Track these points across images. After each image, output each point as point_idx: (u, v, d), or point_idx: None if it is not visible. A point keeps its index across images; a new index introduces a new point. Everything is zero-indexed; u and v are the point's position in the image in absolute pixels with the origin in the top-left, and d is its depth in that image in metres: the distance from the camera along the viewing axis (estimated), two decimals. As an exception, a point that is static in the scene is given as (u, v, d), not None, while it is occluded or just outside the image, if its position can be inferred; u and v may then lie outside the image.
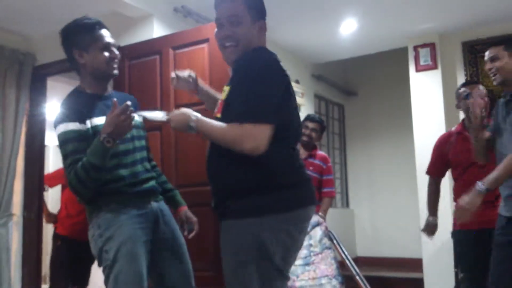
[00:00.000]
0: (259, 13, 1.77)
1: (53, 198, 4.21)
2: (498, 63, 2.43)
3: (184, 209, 2.31)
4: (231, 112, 1.62)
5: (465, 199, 2.26)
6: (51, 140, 6.52)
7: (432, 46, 4.76)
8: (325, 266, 3.39)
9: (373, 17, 4.46)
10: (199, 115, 1.69)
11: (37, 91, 4.10)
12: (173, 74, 2.03)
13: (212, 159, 1.73)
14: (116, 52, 2.11)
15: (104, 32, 2.08)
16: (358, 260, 5.53)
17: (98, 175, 1.91)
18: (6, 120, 3.84)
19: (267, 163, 1.60)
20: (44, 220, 4.11)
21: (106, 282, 1.97)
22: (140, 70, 3.35)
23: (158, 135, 3.18)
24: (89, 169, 1.87)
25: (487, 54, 2.51)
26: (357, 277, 3.75)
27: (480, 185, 2.24)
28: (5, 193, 3.78)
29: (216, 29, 1.80)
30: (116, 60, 2.10)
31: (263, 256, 1.58)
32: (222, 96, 1.75)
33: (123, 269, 1.92)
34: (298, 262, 3.27)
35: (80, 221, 3.85)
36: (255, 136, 1.54)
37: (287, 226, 1.61)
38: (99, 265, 2.01)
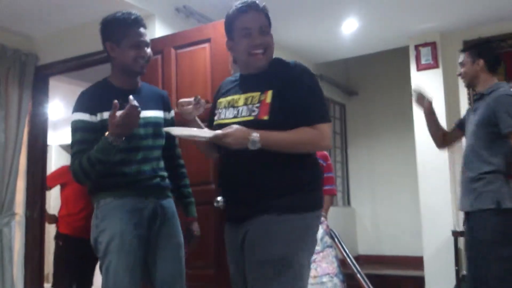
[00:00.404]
0: (271, 25, 1.91)
1: (55, 197, 4.23)
2: (463, 69, 2.75)
3: (190, 220, 2.31)
4: (288, 115, 1.76)
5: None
6: (53, 139, 6.56)
7: (433, 45, 4.76)
8: (327, 264, 3.40)
9: (374, 16, 4.47)
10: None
11: (40, 91, 4.11)
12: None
13: (257, 162, 1.76)
14: (147, 51, 2.12)
15: (139, 30, 2.10)
16: (359, 258, 5.55)
17: (102, 168, 1.97)
18: (9, 119, 3.85)
19: (312, 165, 1.86)
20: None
21: (100, 270, 2.05)
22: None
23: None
24: (94, 163, 1.93)
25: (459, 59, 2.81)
26: (358, 275, 3.76)
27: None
28: (8, 193, 3.79)
29: (242, 38, 1.85)
30: (144, 59, 2.11)
31: (304, 248, 1.76)
32: (263, 98, 1.79)
33: (113, 261, 1.98)
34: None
35: (81, 218, 3.88)
36: (329, 135, 1.79)
37: (317, 223, 1.84)
38: (95, 254, 2.08)
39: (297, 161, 1.78)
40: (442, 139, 3.02)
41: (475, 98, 2.75)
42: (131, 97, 1.89)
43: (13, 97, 3.89)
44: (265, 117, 1.76)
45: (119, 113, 1.85)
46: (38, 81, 4.09)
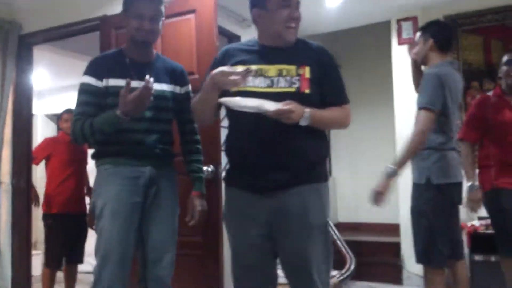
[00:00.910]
0: None
1: (42, 168, 4.24)
2: (417, 47, 2.84)
3: (195, 195, 2.33)
4: (324, 90, 1.89)
5: (377, 183, 2.57)
6: (39, 109, 6.52)
7: (414, 19, 4.83)
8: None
9: (357, -11, 4.51)
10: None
11: (23, 60, 4.09)
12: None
13: (301, 136, 1.82)
14: (146, 24, 2.14)
15: (142, 3, 2.15)
16: (339, 226, 5.70)
17: (102, 137, 2.07)
18: (-7, 89, 3.84)
19: (326, 140, 2.00)
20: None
21: (96, 233, 2.14)
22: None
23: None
24: (95, 132, 2.03)
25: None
26: (338, 242, 3.92)
27: (390, 167, 2.56)
28: (-6, 162, 3.81)
29: (281, 8, 1.88)
30: (144, 30, 2.14)
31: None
32: (302, 72, 1.85)
33: (105, 225, 2.06)
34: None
35: (65, 190, 3.92)
36: (350, 114, 1.97)
37: None
38: (92, 217, 2.22)
39: (322, 133, 1.94)
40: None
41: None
42: (147, 77, 1.96)
43: (-4, 66, 3.87)
44: (307, 91, 1.83)
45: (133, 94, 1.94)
46: (21, 50, 4.06)
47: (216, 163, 2.92)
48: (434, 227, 2.67)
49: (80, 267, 4.14)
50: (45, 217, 3.98)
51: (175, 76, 2.29)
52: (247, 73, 1.76)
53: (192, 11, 3.12)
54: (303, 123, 1.76)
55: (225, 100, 1.79)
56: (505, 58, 2.97)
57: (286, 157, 1.82)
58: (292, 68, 1.85)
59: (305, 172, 1.84)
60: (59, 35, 3.97)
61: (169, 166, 2.27)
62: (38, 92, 6.41)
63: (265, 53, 1.91)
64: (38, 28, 4.00)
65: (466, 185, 2.87)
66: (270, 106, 1.72)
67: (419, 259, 2.77)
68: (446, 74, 2.72)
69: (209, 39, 3.04)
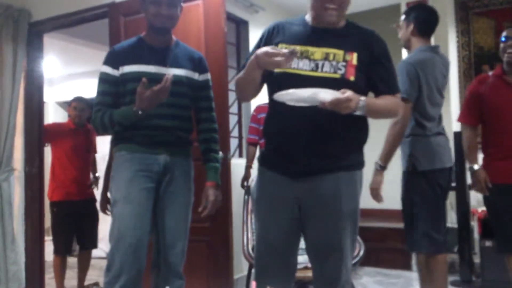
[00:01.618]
0: None
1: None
2: (400, 32, 2.84)
3: (208, 185, 2.31)
4: (368, 80, 1.84)
5: (371, 181, 2.62)
6: (50, 96, 6.57)
7: (424, 2, 4.77)
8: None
9: (366, -27, 4.46)
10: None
11: (34, 48, 4.11)
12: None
13: (341, 120, 1.75)
14: (164, 10, 2.14)
15: None
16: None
17: (121, 129, 2.13)
18: (4, 77, 3.87)
19: (367, 125, 1.92)
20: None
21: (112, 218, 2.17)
22: (136, 26, 3.34)
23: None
24: (115, 124, 2.10)
25: None
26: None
27: (377, 163, 2.63)
28: (6, 149, 3.86)
29: None
30: (162, 15, 2.15)
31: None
32: (349, 58, 1.78)
33: (119, 210, 2.10)
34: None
35: (71, 182, 3.94)
36: (401, 105, 1.99)
37: None
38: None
39: (364, 120, 1.88)
40: None
41: None
42: (168, 76, 1.99)
43: (7, 54, 3.90)
44: (352, 78, 1.77)
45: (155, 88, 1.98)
46: (32, 38, 4.08)
47: (225, 149, 2.94)
48: (424, 215, 2.67)
49: (93, 252, 4.19)
50: (50, 204, 4.02)
51: (194, 62, 2.28)
52: (291, 55, 1.67)
53: (200, -4, 3.11)
54: (358, 112, 1.71)
55: (278, 96, 1.72)
56: (503, 34, 2.88)
57: (327, 143, 1.79)
58: (340, 53, 1.79)
59: (343, 159, 1.83)
60: (69, 22, 3.98)
61: (185, 154, 2.27)
62: (49, 80, 6.46)
63: (313, 34, 1.85)
64: (48, 15, 4.02)
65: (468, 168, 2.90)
66: (326, 95, 1.62)
67: (412, 247, 2.78)
68: (420, 61, 2.67)
69: (217, 25, 3.04)
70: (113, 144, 2.28)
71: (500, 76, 2.88)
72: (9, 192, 3.91)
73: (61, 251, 3.94)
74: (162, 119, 2.15)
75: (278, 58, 1.66)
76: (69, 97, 4.33)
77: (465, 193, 4.06)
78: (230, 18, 4.39)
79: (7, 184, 3.90)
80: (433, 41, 4.73)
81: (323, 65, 1.77)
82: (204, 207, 2.30)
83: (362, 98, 1.71)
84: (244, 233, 3.14)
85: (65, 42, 4.88)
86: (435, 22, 2.85)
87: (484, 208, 3.87)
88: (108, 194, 2.37)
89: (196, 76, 2.27)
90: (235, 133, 4.72)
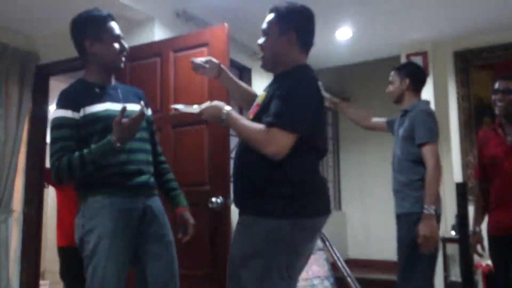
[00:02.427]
0: (290, 26, 1.89)
1: (53, 196, 4.25)
2: (392, 86, 2.98)
3: (183, 210, 2.27)
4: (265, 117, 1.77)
5: (423, 228, 2.57)
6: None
7: (424, 55, 4.88)
8: (317, 267, 3.47)
9: (367, 25, 4.58)
10: (230, 108, 1.85)
11: (40, 90, 4.16)
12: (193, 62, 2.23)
13: (243, 157, 1.83)
14: (125, 45, 2.15)
15: (114, 25, 2.14)
16: (349, 262, 5.62)
17: (93, 169, 1.95)
18: (9, 117, 3.90)
19: (292, 170, 1.73)
20: None
21: (85, 271, 1.99)
22: (141, 72, 3.43)
23: (157, 136, 3.25)
24: (88, 164, 1.92)
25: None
26: (348, 279, 3.83)
27: (427, 208, 2.60)
28: (6, 190, 3.83)
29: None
30: (125, 53, 2.14)
31: (273, 254, 1.70)
32: (257, 100, 1.89)
33: (100, 263, 1.92)
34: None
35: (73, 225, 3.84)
36: (278, 142, 1.68)
37: (301, 231, 1.73)
38: (80, 253, 2.02)
39: (272, 162, 1.73)
40: (366, 125, 3.40)
41: (401, 114, 2.97)
42: (142, 102, 1.96)
43: (13, 95, 3.94)
44: (251, 117, 1.87)
45: (123, 119, 1.90)
46: (38, 80, 4.14)
47: (226, 194, 2.92)
48: (433, 256, 2.71)
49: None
50: (57, 251, 3.78)
51: (140, 97, 2.24)
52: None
53: (205, 44, 3.18)
54: (221, 123, 1.84)
55: (175, 106, 2.09)
56: (494, 86, 2.93)
57: (237, 185, 1.87)
58: (264, 95, 1.91)
59: (245, 203, 1.83)
60: (76, 66, 4.04)
61: (155, 193, 2.20)
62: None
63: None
64: (55, 59, 4.10)
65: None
66: (195, 110, 1.96)
67: None
68: (433, 111, 2.89)
69: (221, 72, 3.08)
70: (81, 189, 2.06)
71: (493, 128, 2.97)
72: (6, 234, 3.85)
73: None
74: (135, 153, 2.08)
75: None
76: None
77: (468, 246, 3.98)
78: (234, 64, 4.47)
79: (5, 226, 3.85)
80: (432, 92, 4.83)
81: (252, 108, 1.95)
82: (183, 232, 2.25)
83: (227, 109, 1.82)
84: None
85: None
86: (425, 78, 3.06)
87: (488, 262, 3.81)
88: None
89: (146, 111, 2.22)
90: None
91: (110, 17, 2.15)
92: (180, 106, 2.07)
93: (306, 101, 1.75)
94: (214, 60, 2.28)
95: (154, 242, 2.09)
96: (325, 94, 2.25)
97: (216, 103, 1.89)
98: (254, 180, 1.78)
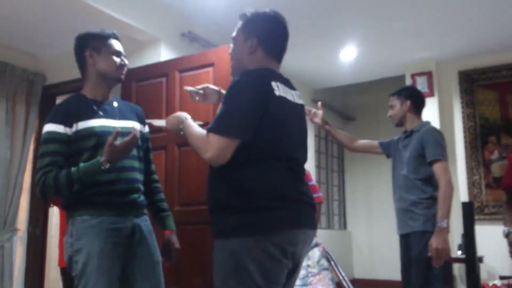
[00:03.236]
0: (252, 31, 1.81)
1: (57, 215, 4.24)
2: (393, 111, 3.03)
3: (169, 233, 2.22)
4: None
5: (436, 241, 2.56)
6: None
7: (429, 74, 4.90)
8: (323, 287, 3.44)
9: (372, 45, 4.61)
10: (189, 118, 1.82)
11: (46, 110, 4.15)
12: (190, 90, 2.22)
13: (208, 179, 1.75)
14: (126, 61, 2.14)
15: (116, 42, 2.13)
16: (355, 282, 5.57)
17: (80, 187, 1.91)
18: (15, 137, 3.94)
19: (248, 183, 1.63)
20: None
21: None
22: (147, 92, 3.45)
23: (163, 154, 3.28)
24: (74, 183, 1.88)
25: (389, 102, 3.07)
26: (354, 298, 3.81)
27: (440, 222, 2.60)
28: (11, 209, 3.85)
29: None
30: (125, 68, 2.13)
31: (243, 274, 1.58)
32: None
33: (90, 283, 1.88)
34: (296, 282, 3.33)
35: None
36: (214, 147, 1.60)
37: (266, 247, 1.59)
38: (69, 272, 1.99)
39: (221, 177, 1.66)
40: (353, 147, 3.34)
41: (405, 135, 2.99)
42: (135, 127, 1.92)
43: (20, 115, 3.99)
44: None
45: (117, 141, 1.85)
46: (45, 100, 4.19)
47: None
48: (443, 273, 2.72)
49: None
50: (60, 272, 3.61)
51: (137, 115, 2.22)
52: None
53: (211, 64, 3.21)
54: (180, 133, 1.81)
55: (148, 120, 2.15)
56: None
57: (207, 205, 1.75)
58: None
59: (213, 224, 1.70)
60: (81, 86, 4.08)
61: (144, 212, 2.16)
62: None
63: None
64: (62, 79, 4.14)
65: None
66: (162, 123, 2.02)
67: None
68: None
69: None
70: (69, 208, 2.01)
71: None
72: (11, 253, 3.86)
73: None
74: (125, 171, 2.03)
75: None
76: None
77: (475, 265, 3.96)
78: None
79: (9, 245, 3.85)
80: (438, 111, 4.83)
81: None
82: (168, 256, 2.19)
83: (184, 120, 1.81)
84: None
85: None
86: (425, 100, 3.10)
87: (495, 282, 3.77)
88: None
89: (142, 128, 2.20)
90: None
91: (113, 36, 2.15)
92: (152, 121, 2.14)
93: (241, 104, 1.64)
94: (212, 86, 2.26)
95: (141, 263, 2.04)
96: (188, 88, 2.26)
97: (178, 113, 1.86)
98: (213, 198, 1.70)
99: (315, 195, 3.85)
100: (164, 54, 3.77)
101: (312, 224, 1.75)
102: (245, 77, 1.70)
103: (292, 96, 1.80)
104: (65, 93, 4.29)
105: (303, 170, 1.80)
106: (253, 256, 1.57)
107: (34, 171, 4.11)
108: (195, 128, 1.76)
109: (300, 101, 1.85)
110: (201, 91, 2.23)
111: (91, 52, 2.08)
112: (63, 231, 3.71)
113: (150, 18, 3.73)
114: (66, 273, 3.64)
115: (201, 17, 3.93)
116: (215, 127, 1.61)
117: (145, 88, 3.46)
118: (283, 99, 1.72)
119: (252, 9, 1.85)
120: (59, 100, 4.35)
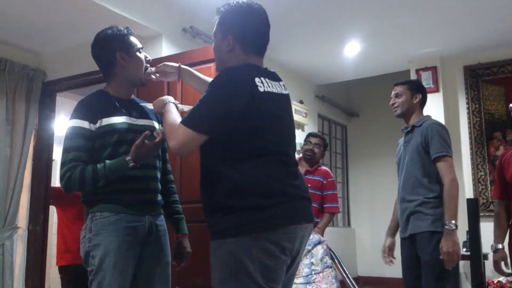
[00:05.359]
0: (228, 29, 1.78)
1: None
2: (400, 99, 2.90)
3: (182, 237, 2.23)
4: None
5: (446, 244, 2.48)
6: (58, 155, 6.60)
7: (434, 69, 4.84)
8: (326, 285, 3.40)
9: (376, 40, 4.56)
10: (172, 102, 1.86)
11: (46, 106, 4.18)
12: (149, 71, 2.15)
13: (201, 180, 1.73)
14: (147, 55, 2.17)
15: (135, 39, 2.15)
16: (359, 280, 5.54)
17: (104, 184, 1.94)
18: (15, 134, 3.90)
19: (241, 182, 1.61)
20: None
21: (89, 285, 1.97)
22: (149, 87, 3.40)
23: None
24: (100, 178, 1.92)
25: (393, 90, 2.97)
26: (358, 297, 3.77)
27: (450, 223, 2.52)
28: (11, 206, 3.82)
29: None
30: (149, 62, 2.17)
31: (242, 274, 1.56)
32: None
33: (106, 278, 1.91)
34: (299, 280, 3.30)
35: (77, 244, 3.76)
36: (179, 137, 1.64)
37: (264, 245, 1.57)
38: (85, 267, 2.00)
39: (213, 176, 1.66)
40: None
41: (407, 130, 2.89)
42: (162, 128, 1.94)
43: (20, 112, 3.96)
44: None
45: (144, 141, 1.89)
46: (45, 97, 4.16)
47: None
48: (456, 272, 2.60)
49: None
50: (60, 271, 3.71)
51: (155, 114, 2.20)
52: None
53: (212, 60, 3.15)
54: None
55: (145, 105, 2.13)
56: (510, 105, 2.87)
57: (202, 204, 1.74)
58: None
59: (207, 223, 1.68)
60: (82, 82, 4.06)
61: (161, 212, 2.17)
62: (59, 138, 6.52)
63: None
64: (62, 75, 4.11)
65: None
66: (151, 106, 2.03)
67: None
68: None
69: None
70: (89, 204, 2.03)
71: None
72: (11, 252, 3.83)
73: None
74: (146, 169, 2.04)
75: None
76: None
77: (480, 263, 3.91)
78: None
79: (10, 243, 3.83)
80: (442, 106, 4.78)
81: None
82: (179, 259, 2.19)
83: (169, 102, 1.87)
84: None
85: (76, 102, 4.93)
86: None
87: (500, 279, 3.73)
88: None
89: (160, 127, 2.18)
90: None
91: (131, 32, 2.16)
92: (147, 105, 2.14)
93: (215, 101, 1.64)
94: (170, 63, 2.17)
95: (154, 262, 2.07)
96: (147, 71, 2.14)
97: (163, 97, 1.92)
98: (208, 199, 1.68)
99: (330, 205, 3.82)
100: (165, 49, 3.73)
101: (308, 218, 1.72)
102: (225, 74, 1.68)
103: (277, 87, 1.76)
104: (65, 90, 4.27)
105: (295, 163, 1.78)
106: (251, 255, 1.56)
107: (35, 168, 4.09)
108: (172, 114, 1.80)
109: (285, 91, 1.81)
110: (157, 74, 2.17)
111: (122, 54, 2.08)
112: (60, 231, 3.74)
113: (152, 13, 3.69)
114: (64, 272, 3.69)
115: (203, 12, 3.89)
116: (186, 119, 1.64)
117: (145, 87, 3.42)
118: (268, 94, 1.69)
119: (226, 3, 1.79)
120: (59, 96, 4.32)
